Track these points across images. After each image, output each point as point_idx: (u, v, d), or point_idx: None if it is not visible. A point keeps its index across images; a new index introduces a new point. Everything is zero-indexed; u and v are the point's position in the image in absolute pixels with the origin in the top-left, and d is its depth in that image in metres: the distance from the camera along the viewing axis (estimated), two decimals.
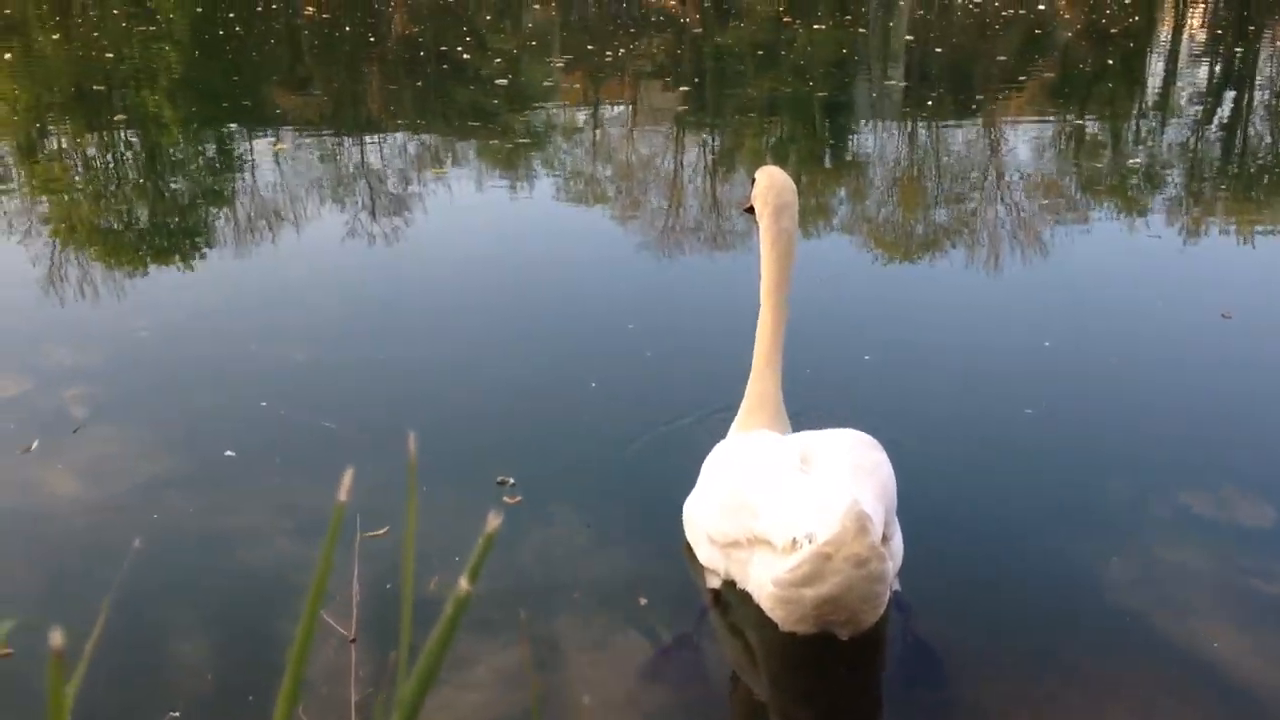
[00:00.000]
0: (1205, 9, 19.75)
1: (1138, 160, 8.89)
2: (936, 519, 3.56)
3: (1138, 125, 10.54)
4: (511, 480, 3.67)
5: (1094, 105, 11.30)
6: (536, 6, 18.30)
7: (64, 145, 8.61)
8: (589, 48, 14.01)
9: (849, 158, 8.95)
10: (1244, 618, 3.12)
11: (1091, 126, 10.36)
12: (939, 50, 14.42)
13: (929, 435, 4.10)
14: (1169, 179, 8.36)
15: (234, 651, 2.97)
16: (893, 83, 12.41)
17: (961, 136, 9.74)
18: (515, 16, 16.98)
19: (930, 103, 11.08)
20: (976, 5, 18.54)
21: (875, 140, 9.66)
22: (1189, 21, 18.18)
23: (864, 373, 4.67)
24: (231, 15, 15.71)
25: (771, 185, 3.43)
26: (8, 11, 15.22)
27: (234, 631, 3.04)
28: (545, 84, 11.81)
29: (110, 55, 12.28)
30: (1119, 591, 3.23)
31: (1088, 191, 7.92)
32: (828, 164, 8.75)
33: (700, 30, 15.79)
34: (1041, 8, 18.31)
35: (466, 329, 5.14)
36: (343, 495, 0.64)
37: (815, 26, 16.03)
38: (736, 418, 3.55)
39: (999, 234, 6.73)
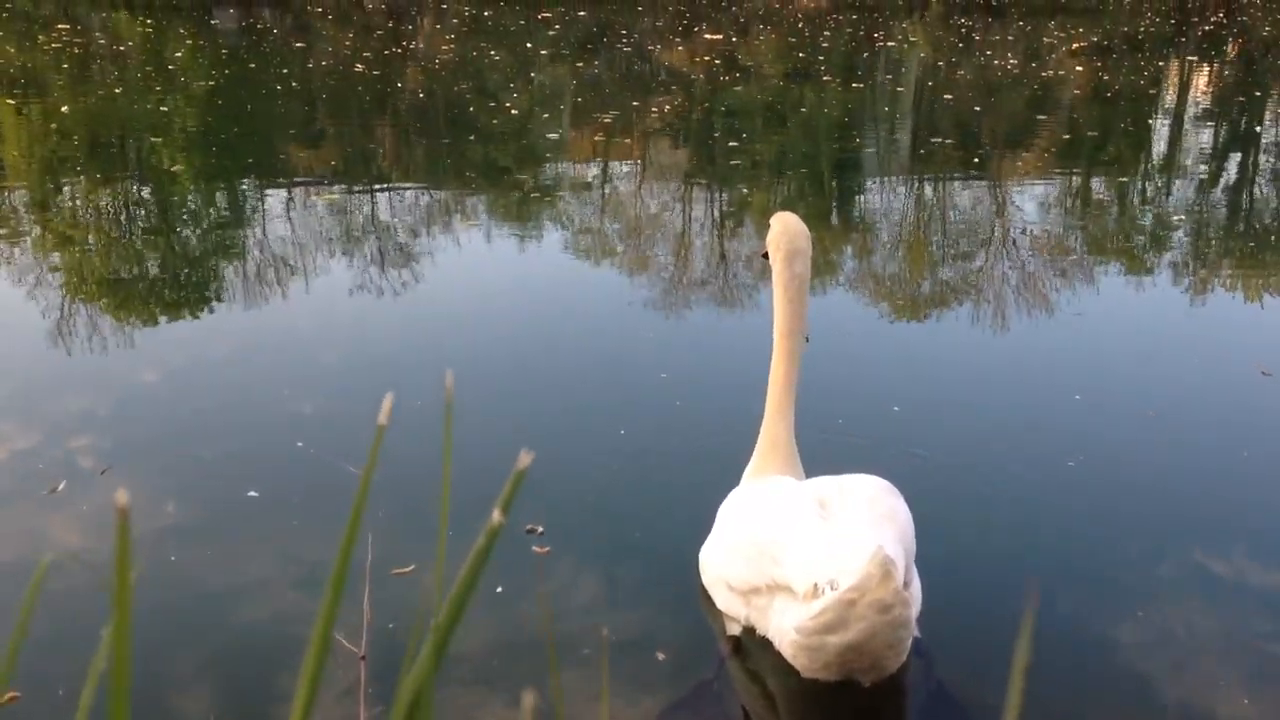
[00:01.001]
0: (1211, 72, 19.93)
1: (1180, 217, 8.92)
2: (963, 566, 3.54)
3: (1167, 183, 10.55)
4: (540, 529, 3.64)
5: (1117, 164, 11.35)
6: (579, 64, 18.65)
7: (136, 199, 8.77)
8: (634, 104, 14.24)
9: (868, 215, 9.00)
10: (1273, 684, 3.06)
11: (1117, 185, 10.39)
12: (948, 110, 14.56)
13: (959, 483, 4.10)
14: (1201, 236, 8.37)
15: (248, 681, 2.98)
16: (903, 141, 12.51)
17: (980, 194, 9.78)
18: (554, 76, 17.26)
19: (940, 161, 11.16)
20: (1013, 67, 18.73)
21: (892, 197, 9.72)
22: (1195, 83, 18.37)
23: (894, 423, 4.66)
24: (285, 71, 16.06)
25: (785, 231, 3.45)
26: (69, 66, 15.60)
27: (249, 664, 3.04)
28: (597, 139, 11.98)
29: (164, 109, 12.58)
30: (1141, 648, 3.19)
31: (1114, 247, 7.93)
32: (853, 221, 8.79)
33: (711, 89, 16.03)
34: (1062, 72, 18.47)
35: (494, 377, 5.13)
36: (383, 419, 0.69)
37: (826, 85, 16.26)
38: (750, 463, 3.54)
39: (1028, 289, 6.73)
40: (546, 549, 3.55)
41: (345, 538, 0.64)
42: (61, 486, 3.91)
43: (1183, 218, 8.94)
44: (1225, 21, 30.96)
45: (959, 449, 4.44)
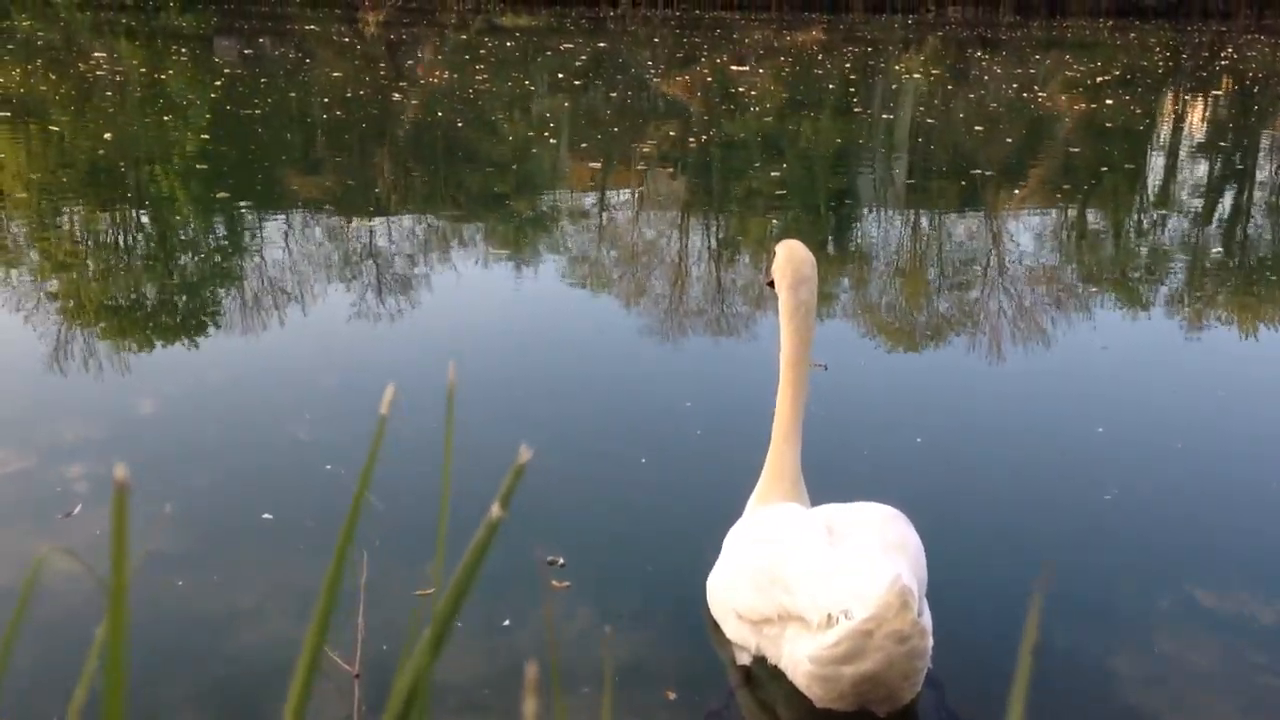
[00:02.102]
0: (1205, 106, 20.00)
1: (1218, 251, 8.90)
2: (978, 595, 3.50)
3: (1187, 216, 10.51)
4: (561, 561, 3.57)
5: (1136, 198, 11.33)
6: (611, 93, 18.76)
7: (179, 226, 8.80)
8: (670, 134, 14.29)
9: (879, 246, 8.99)
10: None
11: (1135, 219, 10.38)
12: (943, 140, 14.61)
13: (974, 512, 4.08)
14: (1225, 270, 8.32)
15: (254, 704, 2.96)
16: (900, 172, 12.53)
17: (990, 226, 9.74)
18: (590, 102, 17.37)
19: (940, 192, 11.16)
20: (1045, 99, 18.78)
21: (895, 228, 9.72)
22: (1190, 117, 18.44)
23: (917, 454, 4.63)
24: (326, 100, 16.25)
25: (790, 258, 3.44)
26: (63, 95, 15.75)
27: (256, 688, 3.02)
28: (631, 172, 12.02)
29: (205, 138, 12.73)
30: (1154, 684, 3.15)
31: (1135, 281, 7.88)
32: (864, 252, 8.76)
33: (708, 119, 16.12)
34: (1092, 105, 18.52)
35: (512, 405, 5.10)
36: (384, 409, 0.68)
37: (822, 116, 16.37)
38: (755, 490, 3.50)
39: (1045, 322, 6.69)
40: (566, 584, 3.47)
41: (341, 537, 0.65)
42: (76, 510, 3.89)
43: (1219, 251, 8.91)
44: (1237, 56, 31.06)
45: (974, 478, 4.42)
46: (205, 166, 11.17)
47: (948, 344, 6.34)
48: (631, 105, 17.78)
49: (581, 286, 7.51)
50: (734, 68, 23.62)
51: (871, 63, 26.84)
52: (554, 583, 3.47)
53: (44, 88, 16.23)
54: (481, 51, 26.29)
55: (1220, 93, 21.80)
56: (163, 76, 18.47)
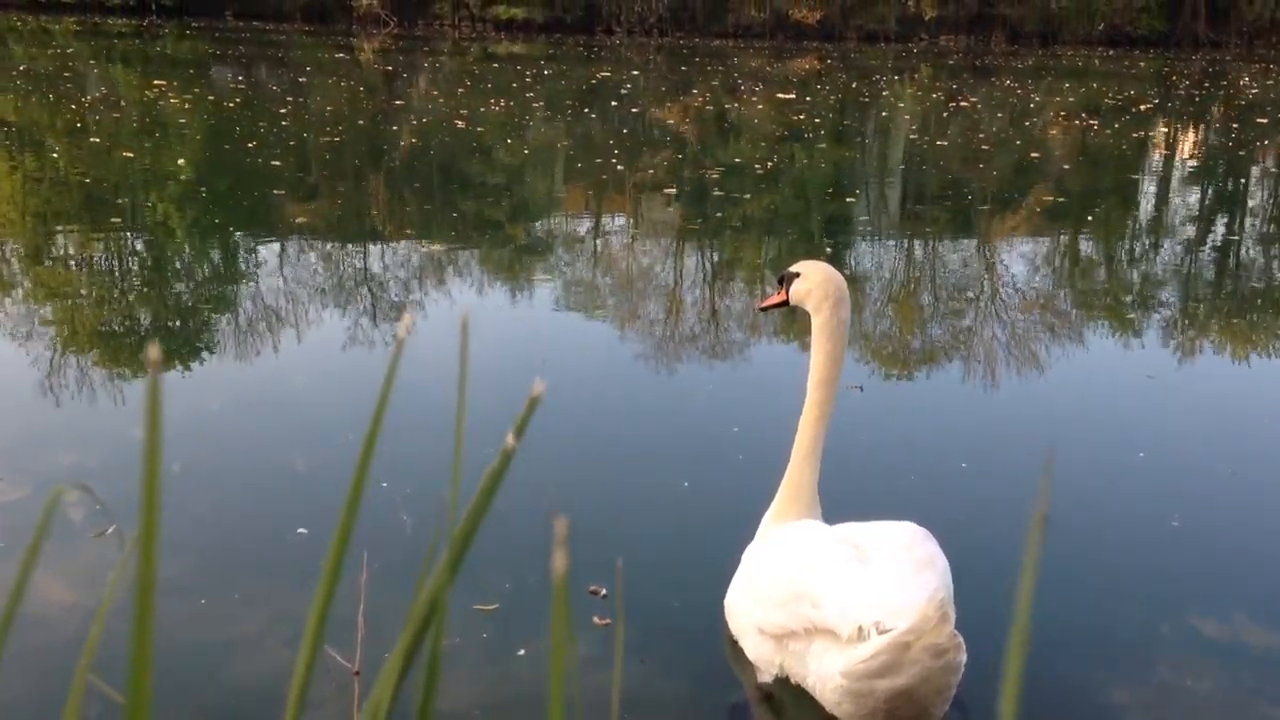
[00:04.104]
0: (1196, 135, 20.07)
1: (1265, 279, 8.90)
2: (1003, 616, 3.35)
3: (1228, 241, 10.46)
4: (604, 591, 3.47)
5: (1158, 225, 11.31)
6: (669, 121, 18.78)
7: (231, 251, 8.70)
8: (732, 162, 14.25)
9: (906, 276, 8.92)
10: None
11: (1157, 246, 10.34)
12: (936, 170, 14.60)
13: (1002, 532, 4.02)
14: (1257, 300, 8.26)
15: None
16: (893, 199, 12.50)
17: (1003, 252, 9.67)
18: (659, 119, 17.38)
19: (940, 220, 11.13)
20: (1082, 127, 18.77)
21: (900, 256, 9.67)
22: (1181, 145, 18.50)
23: (962, 479, 4.60)
24: (395, 129, 16.27)
25: (828, 278, 3.42)
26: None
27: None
28: (658, 199, 11.99)
29: (278, 163, 12.78)
30: (1199, 710, 3.11)
31: (1174, 306, 7.84)
32: (881, 276, 8.66)
33: (701, 146, 16.12)
34: (1040, 133, 18.54)
35: (549, 428, 4.95)
36: (403, 332, 0.72)
37: (816, 145, 16.39)
38: (770, 508, 3.44)
39: (1086, 348, 6.64)
40: (607, 620, 3.35)
41: (341, 523, 0.67)
42: (110, 530, 3.87)
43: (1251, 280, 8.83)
44: (1256, 86, 31.13)
45: (1011, 503, 4.36)
46: (201, 193, 11.17)
47: (981, 367, 6.24)
48: (641, 130, 17.81)
49: (603, 313, 7.41)
50: (779, 95, 23.73)
51: (914, 91, 26.99)
52: (595, 619, 3.35)
53: (39, 115, 16.20)
54: (478, 79, 26.38)
55: (1264, 120, 21.74)
56: (159, 105, 18.42)
